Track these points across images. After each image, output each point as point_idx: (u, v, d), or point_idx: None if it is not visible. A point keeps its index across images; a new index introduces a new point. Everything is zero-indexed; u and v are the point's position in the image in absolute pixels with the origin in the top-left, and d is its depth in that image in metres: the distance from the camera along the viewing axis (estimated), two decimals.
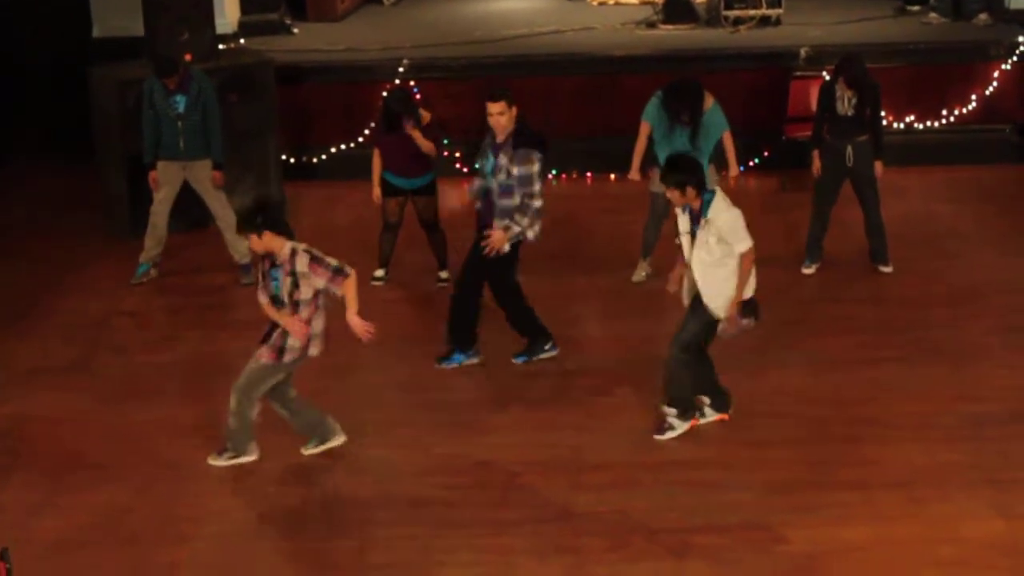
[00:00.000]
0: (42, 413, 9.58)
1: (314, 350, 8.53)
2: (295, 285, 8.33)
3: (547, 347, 10.02)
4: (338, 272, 8.34)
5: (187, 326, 10.96)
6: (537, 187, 9.56)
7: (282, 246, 8.34)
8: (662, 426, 8.93)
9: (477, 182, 9.84)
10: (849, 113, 11.07)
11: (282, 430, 9.04)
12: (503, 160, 9.58)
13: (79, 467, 8.85)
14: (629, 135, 11.36)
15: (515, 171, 9.52)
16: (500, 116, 9.58)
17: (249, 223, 8.33)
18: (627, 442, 8.89)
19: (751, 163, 13.79)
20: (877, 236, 11.38)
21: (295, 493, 8.46)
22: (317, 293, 8.39)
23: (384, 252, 11.51)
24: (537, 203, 9.56)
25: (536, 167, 9.53)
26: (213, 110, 11.48)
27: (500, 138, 9.65)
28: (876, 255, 11.42)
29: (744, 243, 8.55)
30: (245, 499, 8.42)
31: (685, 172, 8.57)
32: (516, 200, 9.55)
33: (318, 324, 8.48)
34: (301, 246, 8.38)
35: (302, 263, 8.32)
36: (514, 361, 9.93)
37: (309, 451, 8.83)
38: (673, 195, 8.62)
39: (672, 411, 8.94)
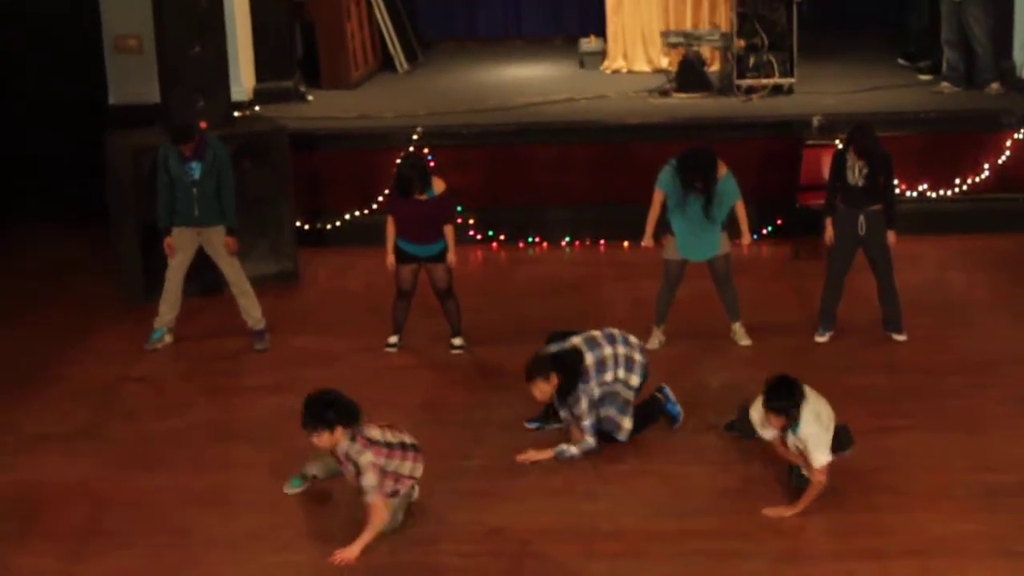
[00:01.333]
0: (52, 479, 9.55)
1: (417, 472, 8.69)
2: (357, 472, 8.39)
3: (661, 396, 10.02)
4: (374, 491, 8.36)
5: (200, 392, 10.95)
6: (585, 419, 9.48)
7: (341, 440, 8.34)
8: None
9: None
10: (860, 183, 11.08)
11: (295, 496, 9.02)
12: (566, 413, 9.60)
13: (90, 534, 8.80)
14: (642, 203, 11.39)
15: (576, 412, 9.50)
16: (542, 394, 9.45)
17: (317, 418, 8.29)
18: (641, 510, 8.84)
19: (764, 231, 13.81)
20: (891, 304, 11.37)
21: (307, 562, 8.39)
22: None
23: (398, 319, 11.51)
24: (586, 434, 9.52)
25: (583, 403, 9.43)
26: (227, 177, 11.52)
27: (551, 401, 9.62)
28: (890, 323, 11.40)
29: (822, 458, 8.60)
30: (256, 568, 8.36)
31: (791, 398, 8.55)
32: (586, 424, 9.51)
33: (405, 468, 8.59)
34: (357, 442, 8.34)
35: (363, 459, 8.32)
36: (527, 426, 9.91)
37: (291, 491, 8.89)
38: (776, 421, 8.65)
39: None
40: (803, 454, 8.68)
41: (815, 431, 8.60)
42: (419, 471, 8.69)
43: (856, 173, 11.06)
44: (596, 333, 9.69)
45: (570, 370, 9.40)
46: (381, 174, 13.75)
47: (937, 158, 14.11)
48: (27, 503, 9.23)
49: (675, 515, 8.78)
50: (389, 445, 8.48)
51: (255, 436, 10.09)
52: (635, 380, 9.65)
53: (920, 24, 16.41)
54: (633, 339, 9.81)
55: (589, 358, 9.48)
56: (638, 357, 9.71)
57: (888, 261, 11.24)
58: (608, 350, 9.58)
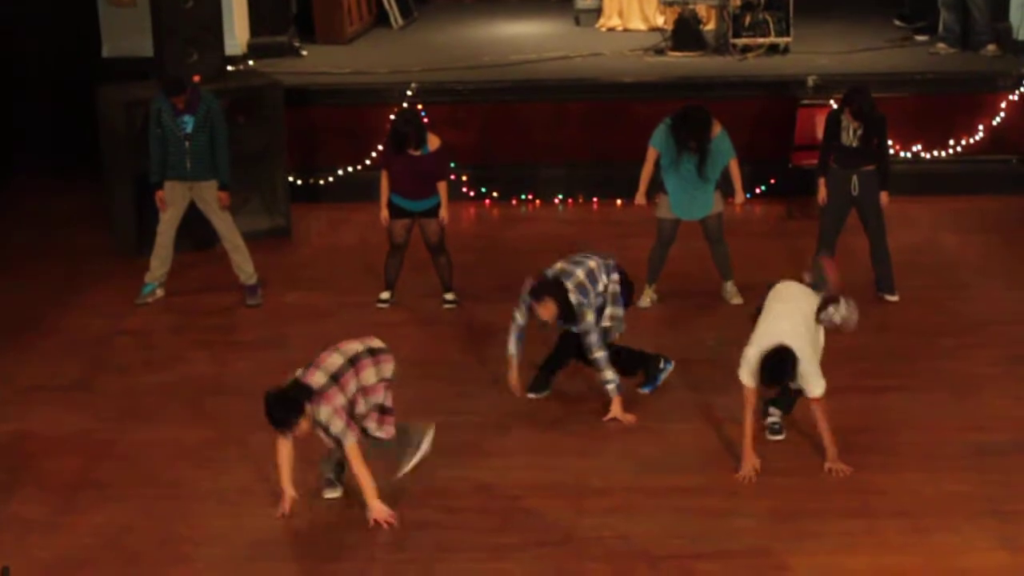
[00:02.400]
0: (43, 431, 9.57)
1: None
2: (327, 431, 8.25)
3: (662, 366, 10.01)
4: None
5: (191, 346, 10.94)
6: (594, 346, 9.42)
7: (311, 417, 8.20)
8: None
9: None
10: (854, 144, 11.07)
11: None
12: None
13: (80, 486, 8.83)
14: (636, 161, 11.38)
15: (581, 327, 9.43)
16: (548, 313, 9.33)
17: (289, 420, 8.12)
18: (631, 467, 8.87)
19: (757, 190, 13.79)
20: (883, 265, 11.37)
21: (297, 515, 8.42)
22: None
23: (390, 274, 11.50)
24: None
25: (589, 315, 9.40)
26: (221, 131, 11.48)
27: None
28: (882, 284, 11.41)
29: (818, 390, 8.67)
30: (247, 521, 8.39)
31: (785, 370, 8.56)
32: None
33: (368, 377, 8.44)
34: (314, 403, 8.15)
35: (323, 415, 8.17)
36: (529, 396, 9.83)
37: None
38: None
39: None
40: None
41: (808, 369, 8.60)
42: (388, 371, 8.48)
43: (851, 134, 11.04)
44: (570, 262, 9.66)
45: (562, 295, 9.35)
46: (375, 130, 13.72)
47: (932, 119, 14.08)
48: (19, 454, 9.25)
49: (664, 472, 8.81)
50: (335, 377, 8.21)
51: (246, 391, 10.05)
52: (616, 277, 9.70)
53: None
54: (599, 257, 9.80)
55: (580, 272, 9.46)
56: (612, 262, 9.75)
57: (881, 222, 11.24)
58: (592, 262, 9.60)
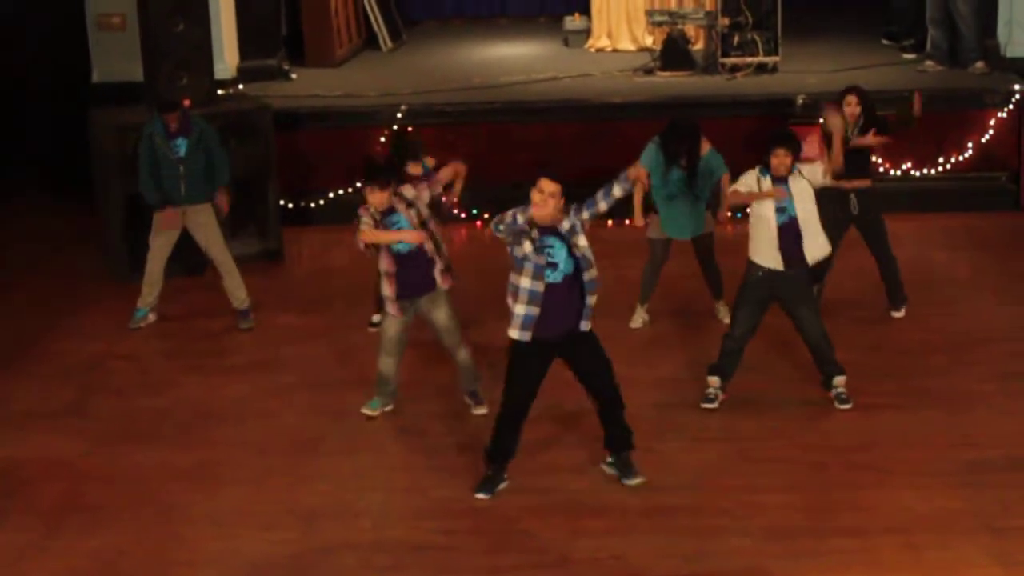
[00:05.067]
0: (37, 455, 9.55)
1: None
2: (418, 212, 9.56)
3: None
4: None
5: (184, 370, 10.94)
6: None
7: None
8: (844, 397, 9.79)
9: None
10: (853, 136, 11.05)
11: (280, 473, 9.04)
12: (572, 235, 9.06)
13: (74, 510, 8.81)
14: None
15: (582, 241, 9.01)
16: (551, 198, 8.91)
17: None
18: (625, 487, 8.87)
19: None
20: (891, 279, 11.36)
21: (292, 539, 8.41)
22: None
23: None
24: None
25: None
26: (218, 152, 11.51)
27: (547, 222, 8.92)
28: (890, 297, 11.40)
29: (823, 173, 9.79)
30: (242, 544, 8.37)
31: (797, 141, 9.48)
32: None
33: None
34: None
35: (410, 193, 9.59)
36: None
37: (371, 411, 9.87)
38: (785, 161, 9.51)
39: (843, 379, 9.81)
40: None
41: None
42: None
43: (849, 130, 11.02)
44: None
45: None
46: (365, 153, 13.71)
47: (921, 137, 14.09)
48: (12, 479, 9.24)
49: (659, 492, 8.80)
50: None
51: (240, 414, 10.10)
52: None
53: (904, 2, 16.42)
54: None
55: None
56: None
57: (883, 238, 11.22)
58: None
